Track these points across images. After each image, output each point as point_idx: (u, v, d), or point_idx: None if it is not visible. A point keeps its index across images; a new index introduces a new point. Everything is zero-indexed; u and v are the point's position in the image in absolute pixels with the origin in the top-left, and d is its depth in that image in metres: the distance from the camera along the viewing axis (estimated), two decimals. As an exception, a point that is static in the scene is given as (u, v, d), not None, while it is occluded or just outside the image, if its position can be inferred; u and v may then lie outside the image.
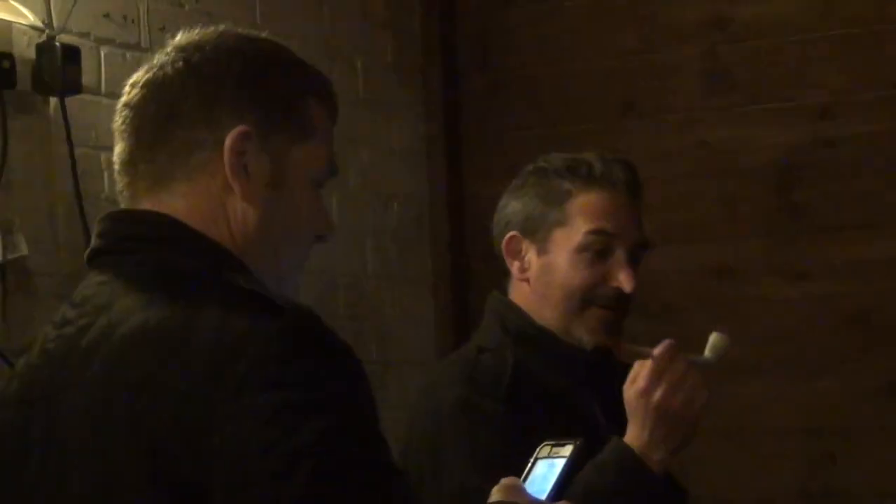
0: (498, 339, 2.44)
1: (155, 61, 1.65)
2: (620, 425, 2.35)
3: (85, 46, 3.28)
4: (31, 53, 3.15)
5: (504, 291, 2.52)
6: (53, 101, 3.21)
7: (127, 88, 1.67)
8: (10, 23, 3.12)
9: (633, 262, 2.43)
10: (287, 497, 1.36)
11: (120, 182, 1.67)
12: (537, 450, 1.75)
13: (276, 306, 1.46)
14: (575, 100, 4.34)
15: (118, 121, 1.66)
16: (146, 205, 1.62)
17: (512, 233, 2.47)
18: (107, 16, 3.38)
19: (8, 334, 3.08)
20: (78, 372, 1.53)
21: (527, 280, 2.46)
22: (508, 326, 2.45)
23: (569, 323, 2.42)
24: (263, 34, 1.72)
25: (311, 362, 1.43)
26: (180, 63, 1.62)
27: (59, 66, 3.15)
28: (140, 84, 1.65)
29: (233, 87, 1.61)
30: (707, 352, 2.38)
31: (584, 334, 2.42)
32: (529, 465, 1.74)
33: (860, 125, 4.02)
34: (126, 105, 1.65)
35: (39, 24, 3.17)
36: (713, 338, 2.39)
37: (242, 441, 1.38)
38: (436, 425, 2.36)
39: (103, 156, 3.31)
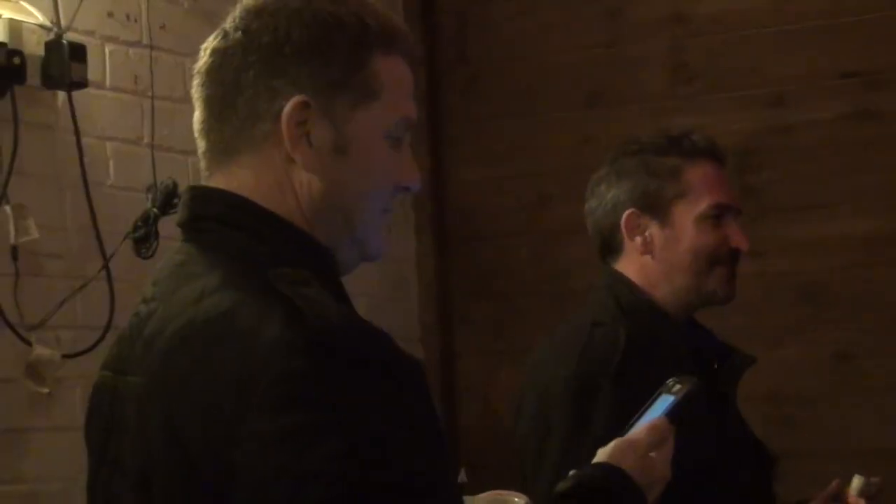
0: (612, 313, 2.50)
1: (225, 25, 1.60)
2: (721, 397, 2.52)
3: (90, 44, 3.34)
4: (41, 51, 3.21)
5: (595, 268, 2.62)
6: (61, 95, 3.27)
7: (200, 53, 1.61)
8: (20, 22, 3.18)
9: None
10: None
11: (199, 147, 1.62)
12: (664, 384, 1.89)
13: (311, 316, 1.38)
14: (548, 90, 4.46)
15: (193, 86, 1.61)
16: (219, 178, 1.59)
17: (629, 210, 2.54)
18: (110, 15, 3.43)
19: (20, 311, 3.16)
20: (139, 362, 1.52)
21: (650, 253, 2.54)
22: (621, 300, 2.52)
23: (701, 282, 2.54)
24: None
25: (332, 380, 1.35)
26: (240, 32, 1.56)
27: (66, 63, 3.20)
28: (210, 51, 1.59)
29: (290, 56, 1.54)
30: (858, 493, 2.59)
31: (717, 288, 2.55)
32: (653, 397, 1.88)
33: (813, 112, 4.15)
34: (198, 72, 1.60)
35: (48, 23, 3.23)
36: (863, 483, 2.59)
37: (258, 462, 1.34)
38: (545, 403, 2.40)
39: (108, 145, 3.41)
